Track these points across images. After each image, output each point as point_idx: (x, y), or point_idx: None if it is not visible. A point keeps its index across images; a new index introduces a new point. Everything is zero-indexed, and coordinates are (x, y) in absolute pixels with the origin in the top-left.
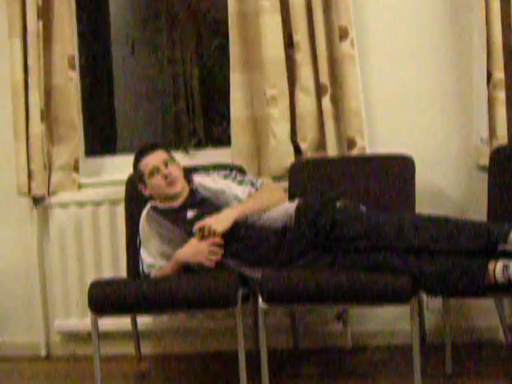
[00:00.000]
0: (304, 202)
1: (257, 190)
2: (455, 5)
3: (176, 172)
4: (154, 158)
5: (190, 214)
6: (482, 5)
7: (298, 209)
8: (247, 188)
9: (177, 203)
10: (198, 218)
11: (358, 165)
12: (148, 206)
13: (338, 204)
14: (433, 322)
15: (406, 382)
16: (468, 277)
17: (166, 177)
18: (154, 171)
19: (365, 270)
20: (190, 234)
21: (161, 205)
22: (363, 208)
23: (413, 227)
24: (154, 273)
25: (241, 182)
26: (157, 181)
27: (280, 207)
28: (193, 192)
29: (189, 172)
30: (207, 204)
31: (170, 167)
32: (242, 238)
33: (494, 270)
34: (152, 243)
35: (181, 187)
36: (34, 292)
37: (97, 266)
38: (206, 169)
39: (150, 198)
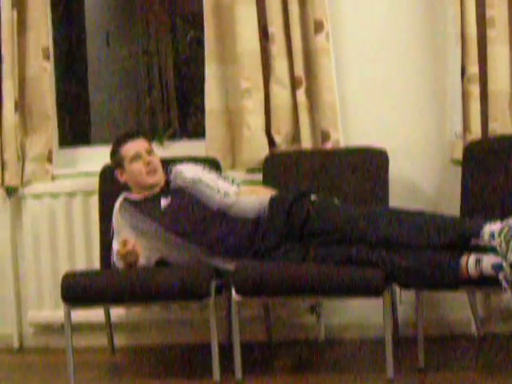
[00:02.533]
0: (278, 195)
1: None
2: None
3: (157, 162)
4: (138, 144)
5: (164, 203)
6: None
7: (271, 201)
8: (229, 184)
9: (150, 193)
10: (170, 207)
11: (332, 158)
12: (121, 197)
13: (312, 197)
14: (406, 314)
15: (378, 374)
16: (441, 270)
17: (147, 164)
18: (137, 157)
19: (338, 262)
20: (163, 225)
21: (134, 195)
22: (337, 201)
23: (386, 221)
24: (121, 265)
25: (225, 178)
26: (138, 167)
27: (253, 198)
28: (168, 183)
29: (167, 164)
30: (182, 193)
31: (152, 156)
32: (215, 227)
33: (467, 264)
34: (124, 235)
35: (159, 178)
36: (6, 283)
37: (70, 258)
38: (182, 161)
39: (124, 186)
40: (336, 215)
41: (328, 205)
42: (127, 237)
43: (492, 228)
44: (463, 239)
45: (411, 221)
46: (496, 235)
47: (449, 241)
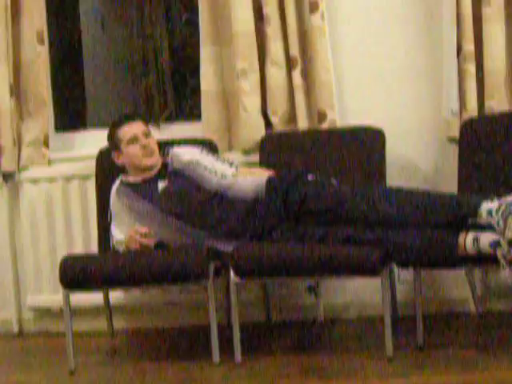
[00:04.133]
0: (275, 176)
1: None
2: None
3: (153, 145)
4: (135, 127)
5: (161, 186)
6: None
7: (268, 181)
8: (226, 166)
9: (147, 176)
10: (168, 190)
11: (329, 138)
12: (118, 180)
13: (310, 177)
14: (404, 293)
15: (377, 353)
16: (439, 248)
17: (144, 147)
18: (133, 139)
19: (336, 242)
20: (160, 208)
21: (131, 178)
22: (334, 181)
23: (383, 200)
24: (121, 249)
25: (223, 160)
26: (134, 150)
27: (251, 180)
28: (165, 166)
29: (163, 146)
30: (179, 176)
31: (148, 139)
32: (213, 209)
33: (465, 242)
34: (122, 219)
35: (156, 160)
36: (5, 268)
37: (68, 242)
38: (179, 143)
39: (121, 168)
40: (333, 195)
41: (325, 185)
42: (147, 230)
43: (489, 206)
44: (461, 217)
45: (409, 199)
46: (493, 213)
47: (446, 219)
